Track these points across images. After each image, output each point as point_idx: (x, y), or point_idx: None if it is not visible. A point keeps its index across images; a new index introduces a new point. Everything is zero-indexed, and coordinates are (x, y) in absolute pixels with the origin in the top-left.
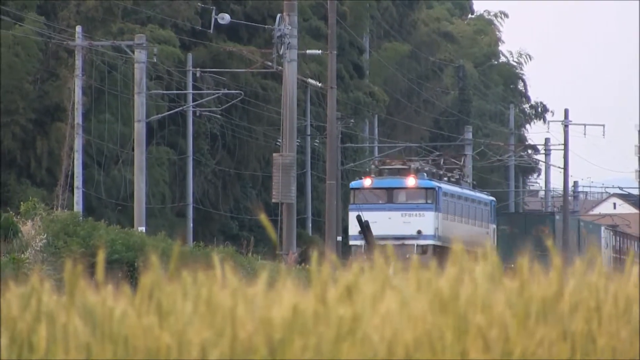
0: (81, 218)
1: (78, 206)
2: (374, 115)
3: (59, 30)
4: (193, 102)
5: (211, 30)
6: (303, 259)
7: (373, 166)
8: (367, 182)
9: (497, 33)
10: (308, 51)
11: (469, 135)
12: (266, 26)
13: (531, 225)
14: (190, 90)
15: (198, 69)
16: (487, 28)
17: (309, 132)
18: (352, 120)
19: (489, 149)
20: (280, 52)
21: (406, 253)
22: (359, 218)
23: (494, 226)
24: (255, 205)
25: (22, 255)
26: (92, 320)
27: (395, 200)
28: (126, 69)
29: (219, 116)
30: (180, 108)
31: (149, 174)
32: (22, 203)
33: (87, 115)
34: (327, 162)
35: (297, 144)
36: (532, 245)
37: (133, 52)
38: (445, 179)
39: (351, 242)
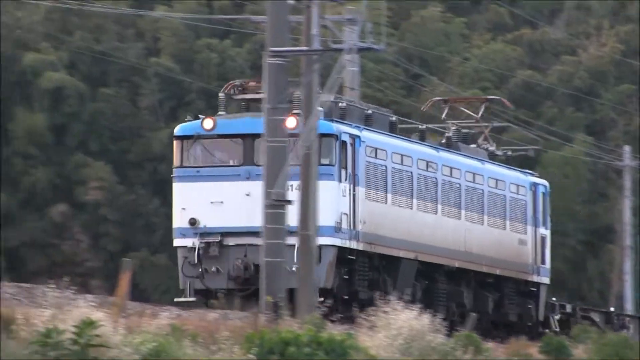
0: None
1: None
2: None
3: (607, 150)
4: None
5: None
6: None
7: (222, 95)
8: (206, 123)
9: None
10: None
11: None
12: None
13: None
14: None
15: None
16: None
17: None
18: None
19: None
20: None
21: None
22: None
23: (545, 231)
24: None
25: None
26: None
27: (257, 158)
28: None
29: None
30: None
31: None
32: None
33: (637, 236)
34: None
35: None
36: None
37: None
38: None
39: (176, 242)
